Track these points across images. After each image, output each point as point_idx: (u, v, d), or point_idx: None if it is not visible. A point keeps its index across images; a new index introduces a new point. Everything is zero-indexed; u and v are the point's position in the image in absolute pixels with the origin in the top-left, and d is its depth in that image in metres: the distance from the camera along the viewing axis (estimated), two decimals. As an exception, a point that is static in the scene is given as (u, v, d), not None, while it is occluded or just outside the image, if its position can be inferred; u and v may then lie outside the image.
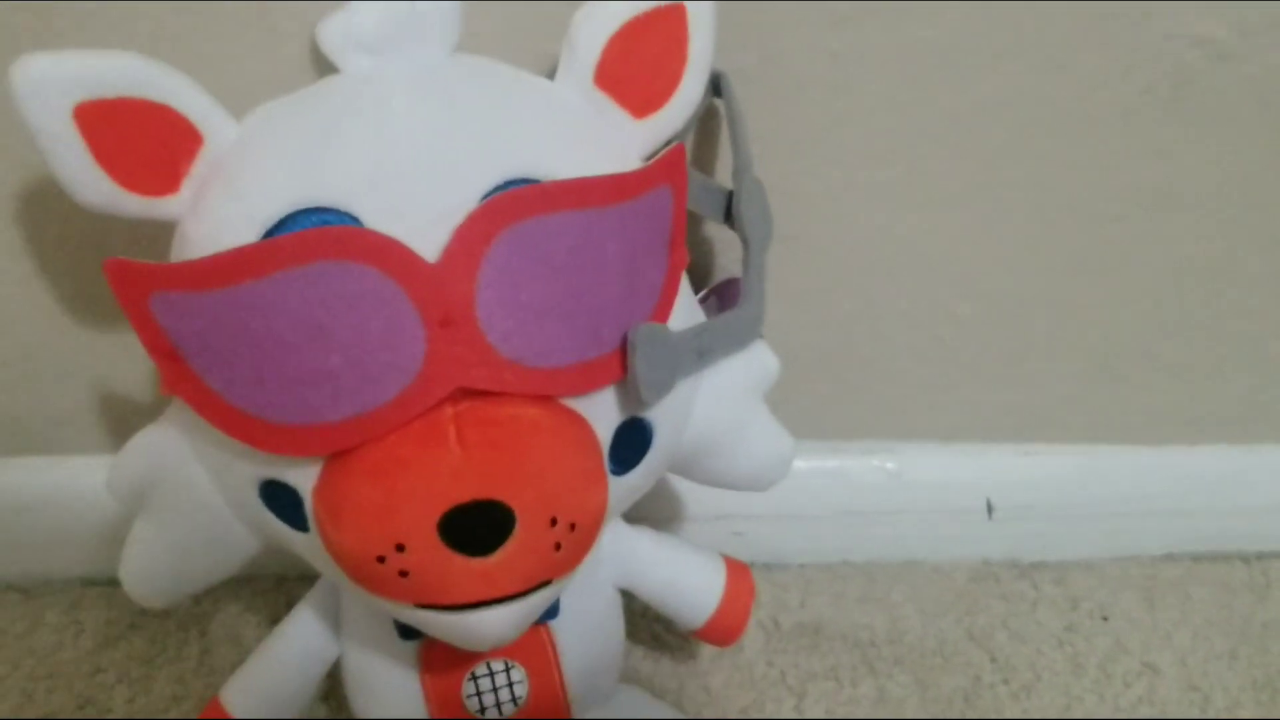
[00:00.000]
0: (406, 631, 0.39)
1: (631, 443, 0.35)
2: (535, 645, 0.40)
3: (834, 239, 0.50)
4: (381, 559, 0.30)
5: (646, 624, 0.55)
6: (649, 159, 0.34)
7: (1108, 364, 0.55)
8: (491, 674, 0.40)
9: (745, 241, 0.40)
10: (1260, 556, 0.60)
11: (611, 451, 0.35)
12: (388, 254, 0.29)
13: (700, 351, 0.36)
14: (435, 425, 0.30)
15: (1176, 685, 0.53)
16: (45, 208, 0.45)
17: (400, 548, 0.30)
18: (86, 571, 0.57)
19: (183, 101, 0.32)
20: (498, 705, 0.40)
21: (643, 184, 0.33)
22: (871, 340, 0.53)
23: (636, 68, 0.35)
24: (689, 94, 0.36)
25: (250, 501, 0.34)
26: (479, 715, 0.40)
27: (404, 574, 0.30)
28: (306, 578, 0.43)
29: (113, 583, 0.38)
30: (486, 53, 0.36)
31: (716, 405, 0.38)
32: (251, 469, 0.33)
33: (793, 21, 0.42)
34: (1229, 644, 0.55)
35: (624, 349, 0.33)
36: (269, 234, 0.30)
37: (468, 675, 0.40)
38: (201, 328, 0.30)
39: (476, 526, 0.30)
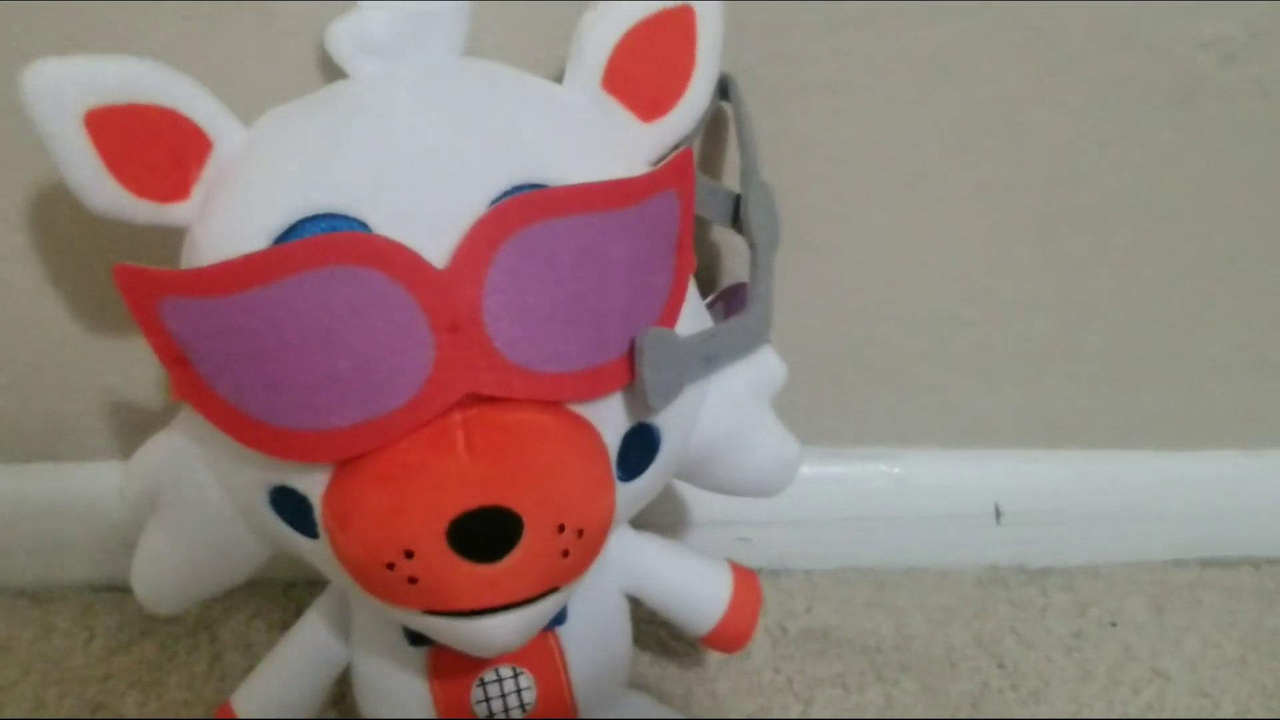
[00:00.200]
0: (415, 637, 0.39)
1: (639, 448, 0.35)
2: (543, 651, 0.40)
3: (840, 243, 0.50)
4: (390, 565, 0.30)
5: (653, 630, 0.55)
6: (657, 162, 0.34)
7: (1115, 368, 0.55)
8: (500, 680, 0.40)
9: (752, 246, 0.40)
10: (1270, 562, 0.60)
11: (619, 457, 0.34)
12: (396, 260, 0.29)
13: (707, 357, 0.36)
14: (443, 431, 0.30)
15: (1186, 691, 0.53)
16: (55, 213, 0.46)
17: (409, 554, 0.30)
18: (98, 577, 0.57)
19: (192, 107, 0.32)
20: (506, 711, 0.40)
21: (650, 188, 0.33)
22: (877, 344, 0.53)
23: (644, 71, 0.35)
24: (697, 97, 0.36)
25: (260, 508, 0.34)
26: (487, 720, 0.40)
27: (412, 580, 0.30)
28: (316, 583, 0.43)
29: (124, 589, 0.39)
30: (494, 56, 0.36)
31: (723, 410, 0.38)
32: (261, 475, 0.33)
33: (800, 24, 0.43)
34: (1238, 650, 0.55)
35: (631, 354, 0.33)
36: (278, 240, 0.30)
37: (476, 681, 0.40)
38: (211, 333, 0.30)
39: (484, 533, 0.30)
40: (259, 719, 0.43)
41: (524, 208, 0.30)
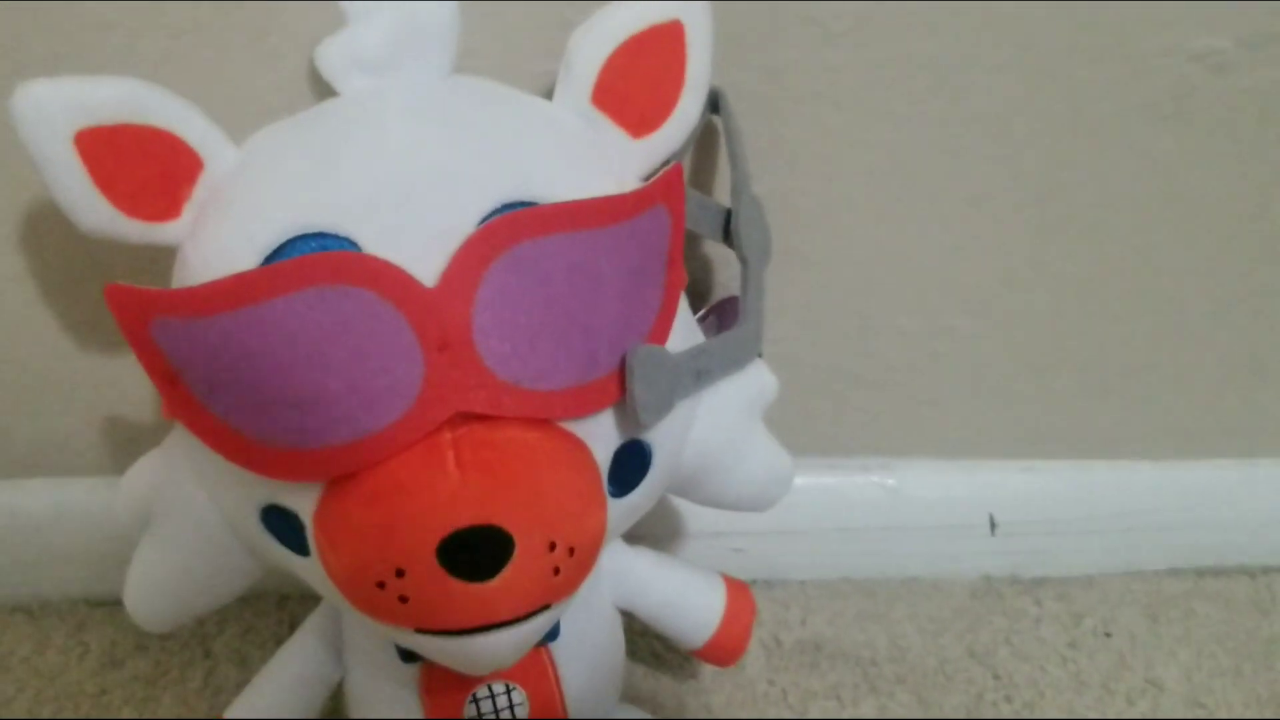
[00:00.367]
0: (408, 654, 0.39)
1: (630, 465, 0.35)
2: (536, 667, 0.40)
3: (832, 255, 0.50)
4: (381, 584, 0.30)
5: (647, 643, 0.55)
6: (647, 178, 0.34)
7: (1109, 378, 0.55)
8: (493, 696, 0.40)
9: (744, 260, 0.40)
10: (1265, 571, 0.60)
11: (610, 474, 0.34)
12: (385, 278, 0.29)
13: (699, 372, 0.36)
14: (434, 449, 0.30)
15: (1180, 702, 0.53)
16: (47, 232, 0.46)
17: (400, 573, 0.30)
18: (92, 593, 0.57)
19: (183, 127, 0.32)
20: (499, 726, 0.40)
21: (640, 204, 0.33)
22: (870, 356, 0.53)
23: (634, 86, 0.35)
24: (687, 112, 0.36)
25: (251, 526, 0.34)
26: (480, 736, 0.40)
27: (403, 599, 0.30)
28: (310, 598, 0.43)
29: (118, 603, 0.39)
30: (484, 73, 0.36)
31: (715, 425, 0.38)
32: (252, 493, 0.33)
33: (790, 38, 0.43)
34: (1233, 660, 0.55)
35: (622, 371, 0.33)
36: (268, 259, 0.30)
37: (469, 697, 0.40)
38: (202, 353, 0.30)
39: (475, 552, 0.30)
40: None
41: (513, 225, 0.30)
